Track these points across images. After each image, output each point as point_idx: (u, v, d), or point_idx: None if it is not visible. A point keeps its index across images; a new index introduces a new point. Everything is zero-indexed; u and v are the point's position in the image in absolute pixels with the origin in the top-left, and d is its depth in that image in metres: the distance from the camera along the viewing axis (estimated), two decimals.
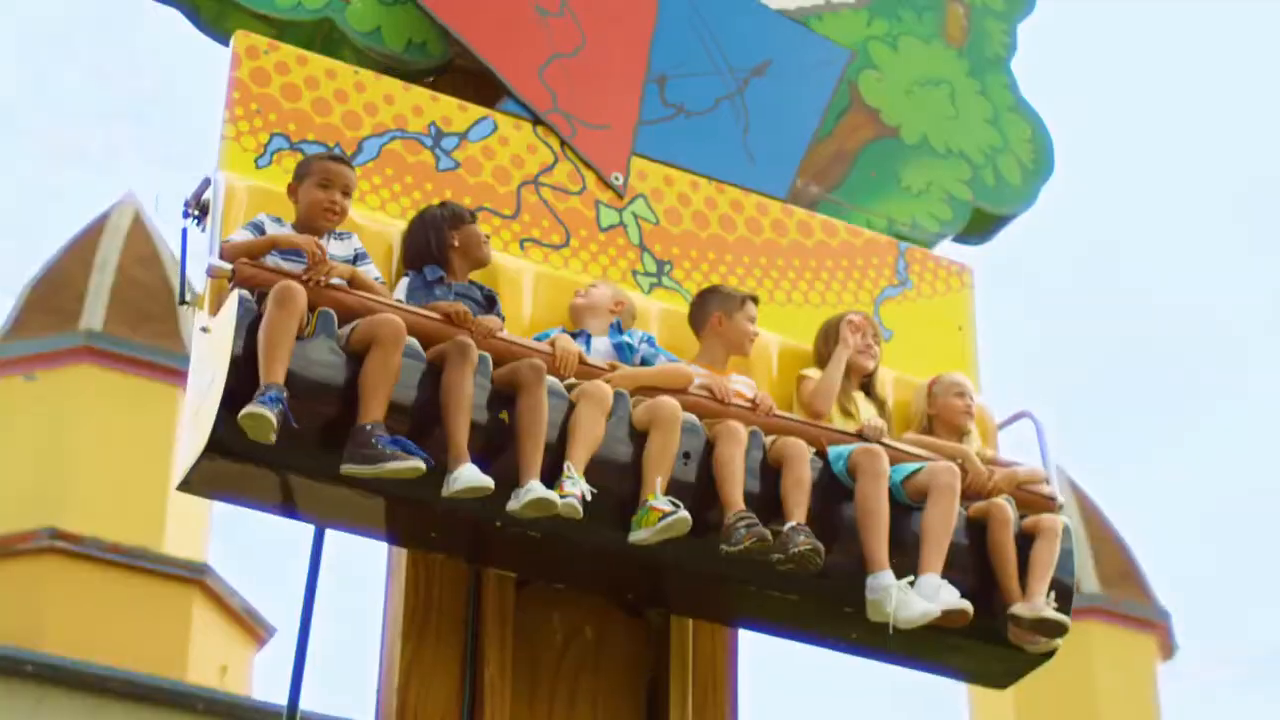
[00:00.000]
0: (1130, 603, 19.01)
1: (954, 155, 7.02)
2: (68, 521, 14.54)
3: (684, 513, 5.19)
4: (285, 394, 4.90)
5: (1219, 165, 41.60)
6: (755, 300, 6.06)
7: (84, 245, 16.07)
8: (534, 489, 5.05)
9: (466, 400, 5.10)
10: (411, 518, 5.31)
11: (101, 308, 15.48)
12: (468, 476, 4.99)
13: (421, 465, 4.96)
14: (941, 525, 5.58)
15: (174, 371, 14.68)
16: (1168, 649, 19.35)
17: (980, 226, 7.06)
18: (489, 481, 5.00)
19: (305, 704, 5.73)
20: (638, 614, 5.84)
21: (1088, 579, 18.85)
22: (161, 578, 14.64)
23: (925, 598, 5.41)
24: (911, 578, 5.44)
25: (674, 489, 5.33)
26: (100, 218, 16.32)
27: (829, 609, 5.65)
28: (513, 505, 5.10)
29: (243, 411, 4.86)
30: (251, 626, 15.40)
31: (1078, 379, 39.97)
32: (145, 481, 14.64)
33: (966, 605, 5.44)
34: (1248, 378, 40.39)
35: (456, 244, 5.65)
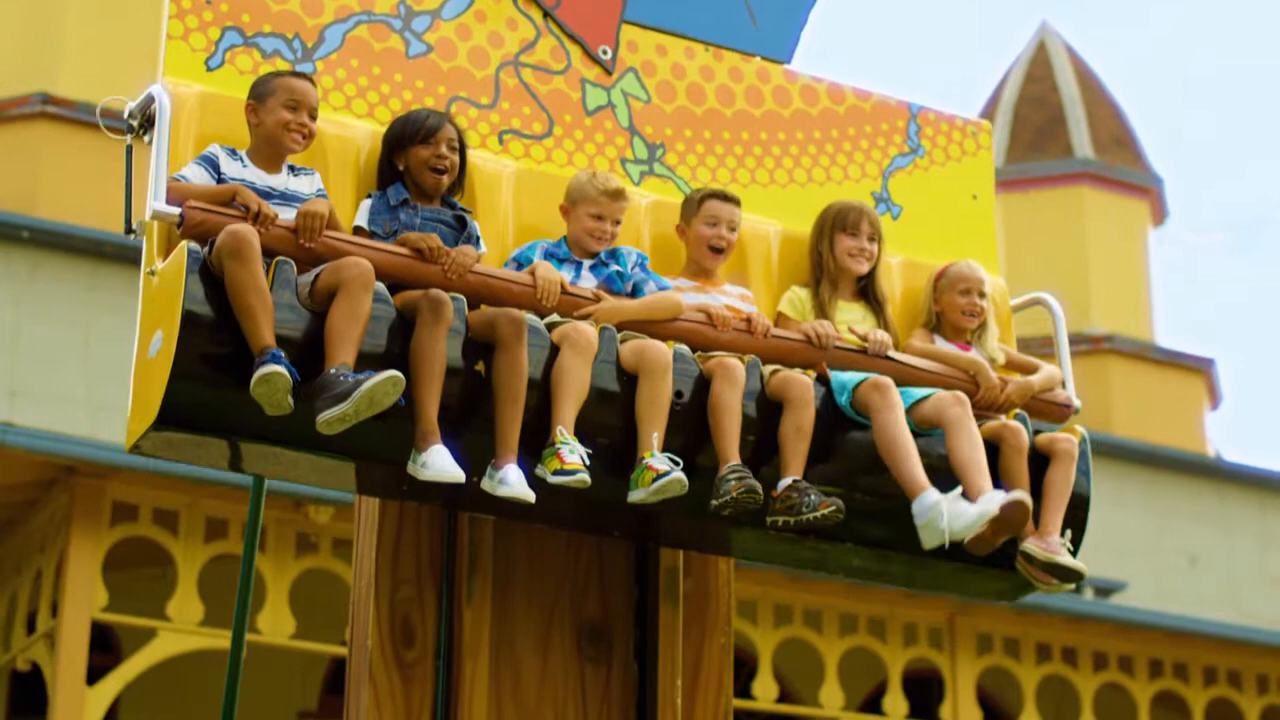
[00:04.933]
0: (1123, 168, 19.15)
1: None
2: (59, 86, 14.37)
3: (679, 474, 4.83)
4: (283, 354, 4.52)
5: None
6: (723, 197, 5.47)
7: None
8: (509, 480, 4.68)
9: (439, 368, 4.68)
10: (383, 476, 4.94)
11: None
12: (437, 466, 4.61)
13: (399, 374, 4.58)
14: (972, 450, 5.18)
15: None
16: (1159, 214, 19.61)
17: None
18: (460, 474, 4.62)
19: None
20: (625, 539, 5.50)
21: (1082, 145, 18.89)
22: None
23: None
24: (959, 489, 5.09)
25: (668, 432, 4.98)
26: None
27: (834, 547, 5.34)
28: (486, 486, 4.74)
29: (253, 382, 4.46)
30: None
31: None
32: (137, 46, 14.06)
33: (1025, 498, 5.09)
34: None
35: (402, 168, 5.13)
